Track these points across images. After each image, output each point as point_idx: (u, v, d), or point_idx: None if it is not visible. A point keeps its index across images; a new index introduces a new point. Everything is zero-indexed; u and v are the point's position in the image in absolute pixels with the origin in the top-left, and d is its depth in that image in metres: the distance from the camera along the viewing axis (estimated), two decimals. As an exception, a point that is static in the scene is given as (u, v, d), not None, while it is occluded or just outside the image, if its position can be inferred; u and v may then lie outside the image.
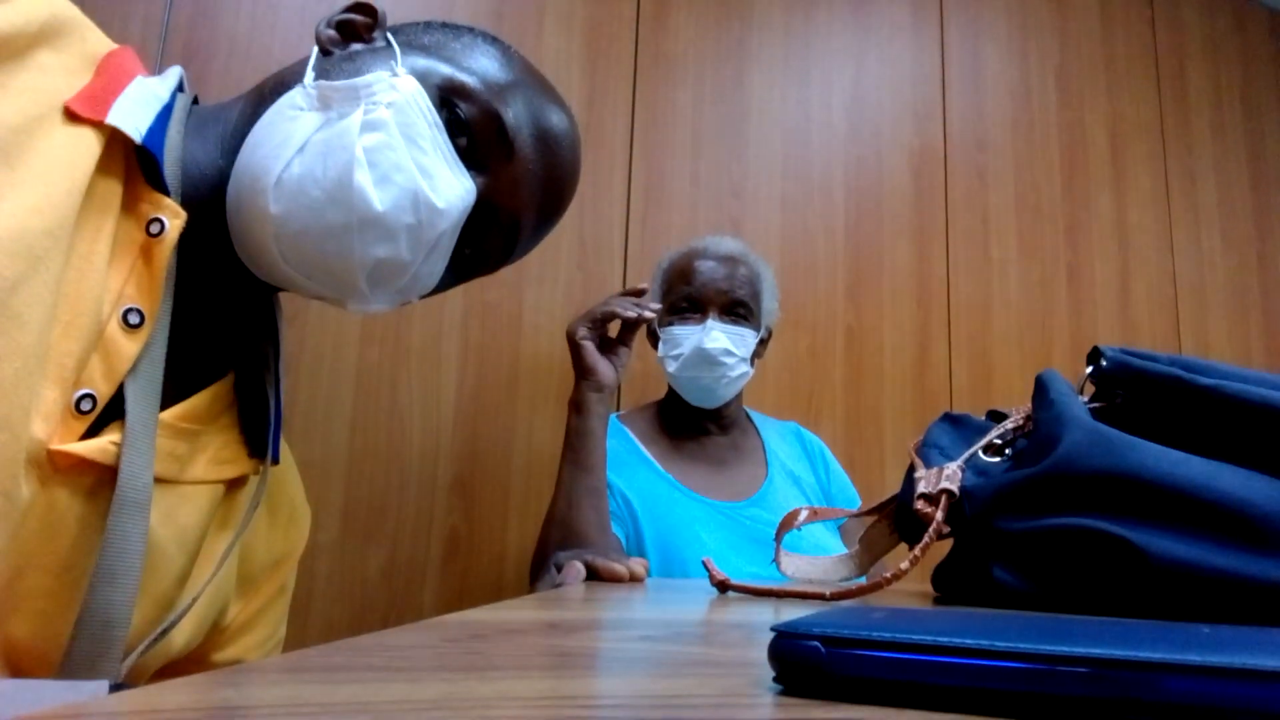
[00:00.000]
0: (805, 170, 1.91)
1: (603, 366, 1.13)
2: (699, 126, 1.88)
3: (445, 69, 0.64)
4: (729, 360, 1.27)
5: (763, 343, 1.38)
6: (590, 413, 1.13)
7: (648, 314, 1.15)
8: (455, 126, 0.62)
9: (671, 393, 1.37)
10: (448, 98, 0.63)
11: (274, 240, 0.58)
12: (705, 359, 1.26)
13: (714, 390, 1.30)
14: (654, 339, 1.36)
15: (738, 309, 1.30)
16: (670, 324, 1.31)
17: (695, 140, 1.88)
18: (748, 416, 1.44)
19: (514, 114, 0.65)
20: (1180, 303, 2.05)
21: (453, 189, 0.61)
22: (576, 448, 1.13)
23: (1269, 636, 0.22)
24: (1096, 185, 2.06)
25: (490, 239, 0.67)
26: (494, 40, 0.69)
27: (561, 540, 1.06)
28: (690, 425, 1.36)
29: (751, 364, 1.32)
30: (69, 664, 0.50)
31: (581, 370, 1.14)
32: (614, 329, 1.19)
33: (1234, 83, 2.21)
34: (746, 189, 1.88)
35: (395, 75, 0.61)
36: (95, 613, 0.50)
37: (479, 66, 0.65)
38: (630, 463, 1.29)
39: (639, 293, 1.21)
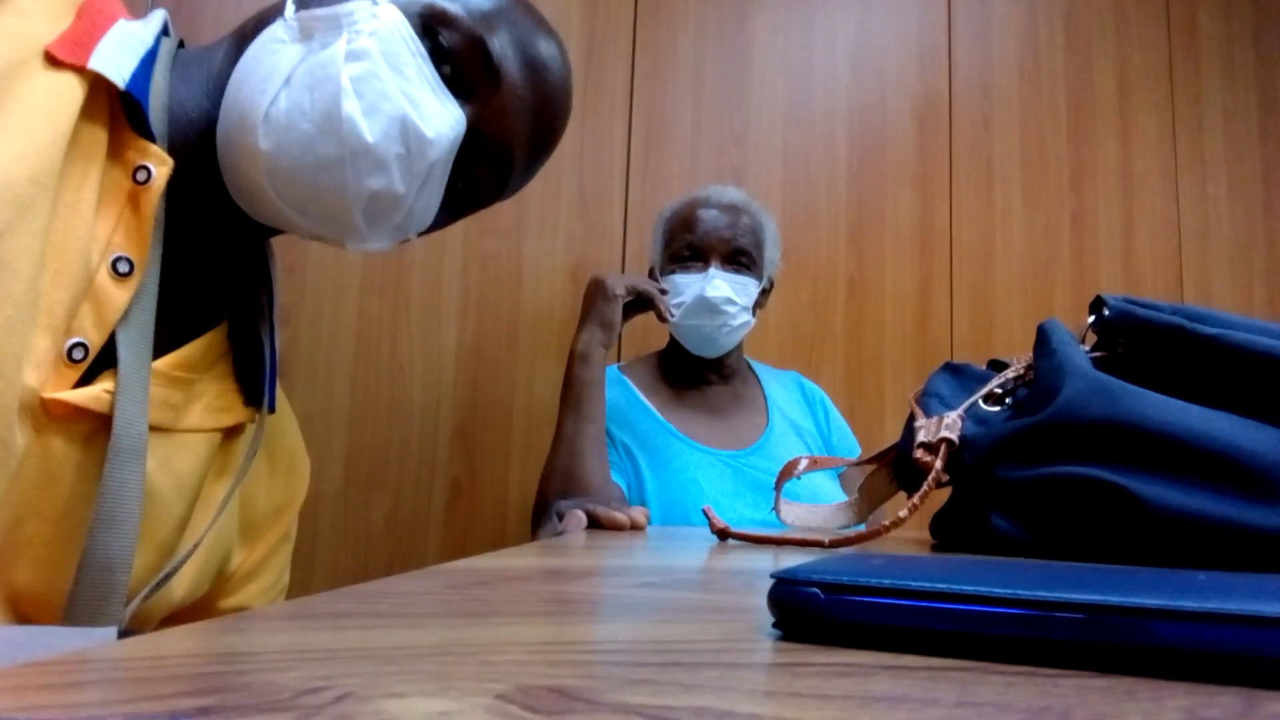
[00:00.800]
0: (808, 118, 1.89)
1: (619, 327, 1.20)
2: (700, 73, 1.85)
3: None
4: (731, 309, 1.27)
5: (765, 293, 1.37)
6: (596, 364, 1.17)
7: (671, 316, 1.25)
8: (439, 55, 0.61)
9: (673, 342, 1.38)
10: (430, 25, 0.61)
11: (267, 176, 0.57)
12: (707, 307, 1.26)
13: (715, 339, 1.30)
14: None
15: (740, 258, 1.30)
16: (672, 272, 1.31)
17: (696, 87, 1.85)
18: (749, 366, 1.44)
19: (499, 42, 0.63)
20: (1184, 252, 2.04)
21: (441, 118, 0.60)
22: (581, 398, 1.15)
23: (1265, 583, 0.22)
24: (1102, 132, 2.04)
25: (483, 171, 0.66)
26: None
27: (564, 489, 1.08)
28: (691, 375, 1.37)
29: (753, 313, 1.32)
30: (73, 610, 0.51)
31: (606, 323, 1.18)
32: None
33: (1246, 29, 2.16)
34: (748, 137, 1.86)
35: (375, 3, 0.60)
36: (96, 558, 0.51)
37: None
38: (631, 412, 1.30)
39: (664, 293, 1.27)
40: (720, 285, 1.26)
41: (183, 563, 0.59)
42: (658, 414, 1.30)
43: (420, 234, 0.67)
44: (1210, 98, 2.11)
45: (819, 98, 1.90)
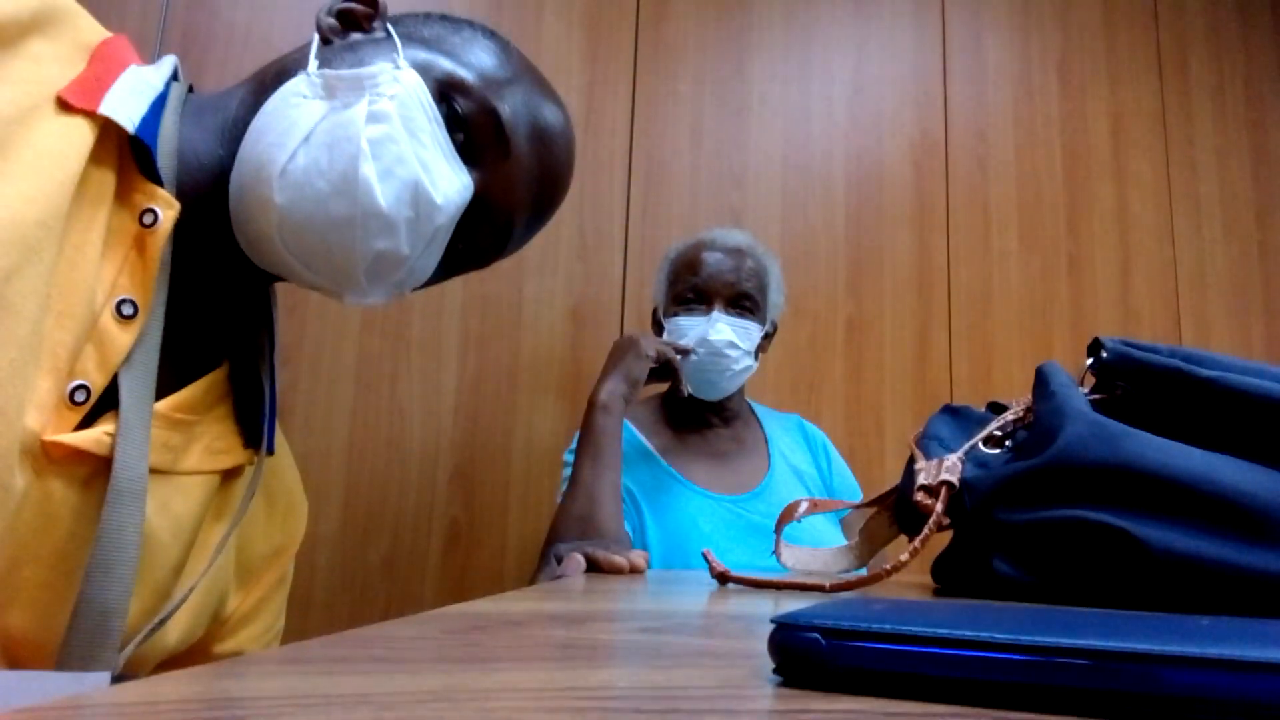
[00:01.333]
0: (806, 160, 1.91)
1: (642, 386, 1.22)
2: (699, 116, 1.88)
3: (445, 63, 0.64)
4: (733, 353, 1.27)
5: (767, 337, 1.37)
6: (617, 415, 1.18)
7: (686, 391, 1.26)
8: (453, 122, 0.63)
9: (675, 385, 1.37)
10: (446, 93, 0.63)
11: (277, 229, 0.58)
12: (710, 351, 1.26)
13: (717, 383, 1.30)
14: (659, 330, 1.36)
15: (744, 301, 1.30)
16: (675, 315, 1.31)
17: (696, 130, 1.87)
18: (750, 409, 1.44)
19: (511, 111, 0.65)
20: (1181, 293, 2.05)
21: (451, 184, 0.61)
22: (602, 446, 1.15)
23: (1268, 628, 0.22)
24: (1098, 175, 2.06)
25: (483, 234, 0.68)
26: (492, 35, 0.69)
27: (580, 535, 1.06)
28: (693, 418, 1.36)
29: (755, 358, 1.32)
30: (66, 654, 0.50)
31: (632, 380, 1.20)
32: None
33: (1236, 73, 2.20)
34: (747, 179, 1.88)
35: (398, 68, 0.61)
36: (92, 603, 0.50)
37: (478, 62, 0.65)
38: (633, 455, 1.30)
39: (686, 352, 1.27)
40: (723, 329, 1.26)
41: (178, 607, 0.58)
42: (659, 457, 1.30)
43: (414, 289, 0.67)
44: (1203, 141, 2.14)
45: (817, 140, 1.92)
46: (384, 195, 0.58)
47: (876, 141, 1.95)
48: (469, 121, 0.63)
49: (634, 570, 0.83)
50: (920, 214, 1.94)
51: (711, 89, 1.89)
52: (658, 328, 1.36)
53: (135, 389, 0.53)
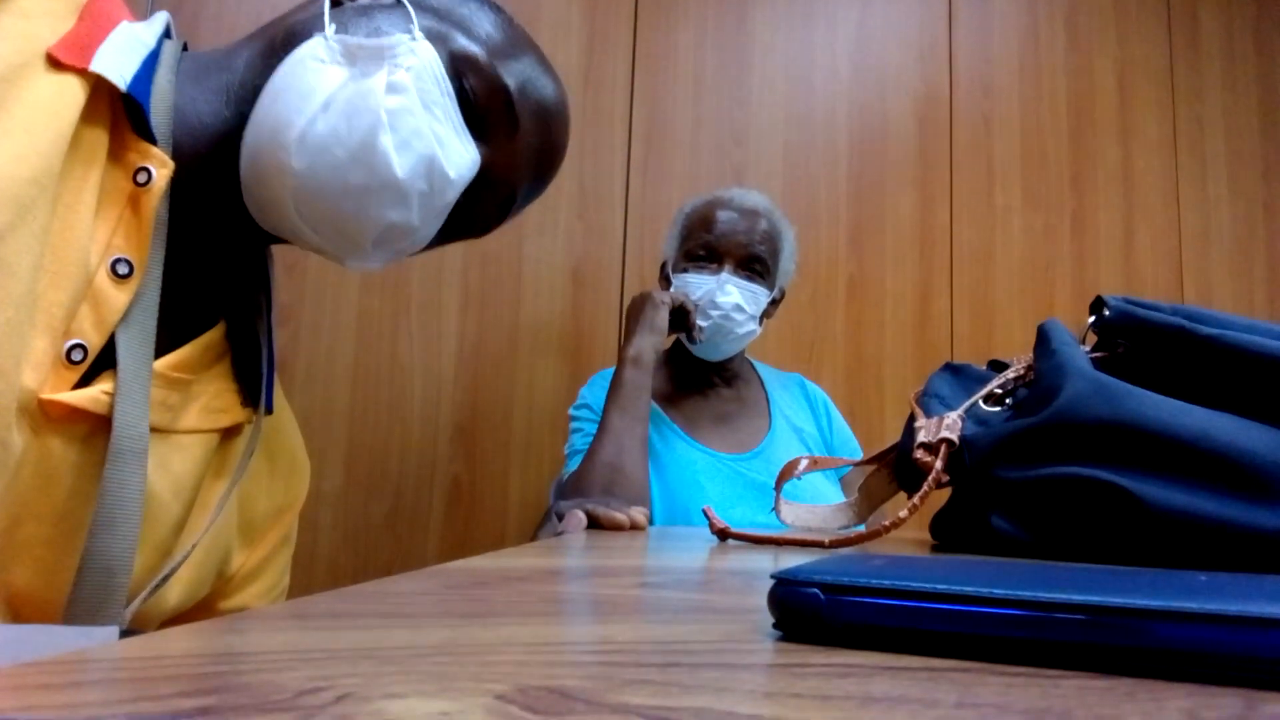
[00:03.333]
0: (808, 116, 1.89)
1: (666, 332, 1.22)
2: (701, 71, 1.85)
3: (457, 36, 0.63)
4: (739, 316, 1.26)
5: (774, 303, 1.36)
6: (648, 369, 1.19)
7: (700, 338, 1.27)
8: (463, 96, 0.63)
9: (678, 343, 1.38)
10: (459, 67, 0.63)
11: (292, 194, 0.58)
12: (716, 310, 1.25)
13: (719, 344, 1.29)
14: (666, 284, 1.35)
15: (754, 264, 1.28)
16: (685, 270, 1.29)
17: (697, 86, 1.85)
18: (752, 368, 1.44)
19: (518, 87, 0.65)
20: (1184, 251, 2.04)
21: (462, 158, 0.62)
22: (634, 399, 1.16)
23: (1265, 584, 0.22)
24: (1103, 132, 2.03)
25: (484, 206, 0.68)
26: (497, 8, 0.69)
27: (609, 482, 1.08)
28: (695, 376, 1.36)
29: (760, 323, 1.31)
30: (72, 611, 0.51)
31: (657, 329, 1.21)
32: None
33: (1247, 27, 2.16)
34: (749, 135, 1.86)
35: (414, 39, 0.60)
36: (96, 560, 0.51)
37: (486, 36, 0.65)
38: None
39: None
40: (731, 291, 1.25)
41: (181, 564, 0.59)
42: (662, 413, 1.30)
43: (411, 255, 0.68)
44: (1211, 97, 2.11)
45: (819, 96, 1.90)
46: (400, 167, 0.58)
47: (880, 96, 1.93)
48: (478, 97, 0.63)
49: (635, 527, 0.84)
50: (923, 170, 1.93)
51: (713, 43, 1.87)
52: (665, 282, 1.35)
53: (133, 348, 0.53)
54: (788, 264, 1.37)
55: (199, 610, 0.66)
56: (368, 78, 0.58)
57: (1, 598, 0.51)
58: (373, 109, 0.57)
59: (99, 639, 0.50)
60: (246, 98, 0.59)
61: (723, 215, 1.29)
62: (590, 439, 1.19)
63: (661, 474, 1.22)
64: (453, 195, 0.62)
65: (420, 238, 0.64)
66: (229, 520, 0.66)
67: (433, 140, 0.59)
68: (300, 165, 0.57)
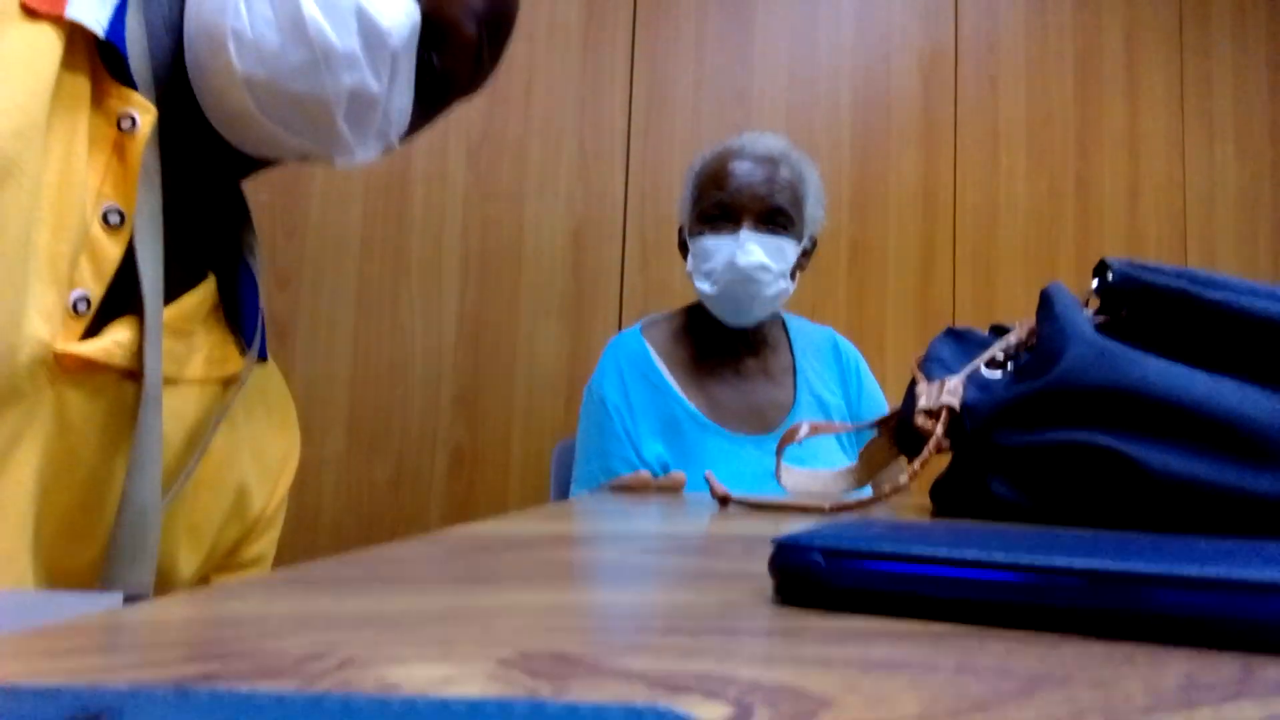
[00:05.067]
0: (811, 75, 1.86)
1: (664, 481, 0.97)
2: (702, 31, 1.83)
3: None
4: (765, 276, 1.15)
5: (805, 254, 1.24)
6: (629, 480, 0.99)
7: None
8: None
9: (701, 304, 1.26)
10: None
11: (249, 92, 0.57)
12: (739, 276, 1.14)
13: (749, 310, 1.19)
14: (684, 250, 1.25)
15: (777, 217, 1.17)
16: (701, 234, 1.18)
17: (698, 45, 1.82)
18: (784, 326, 1.32)
19: None
20: (1189, 213, 2.02)
21: (393, 6, 0.59)
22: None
23: (1265, 549, 0.22)
24: (1110, 91, 2.01)
25: (447, 58, 0.66)
26: None
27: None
28: (718, 343, 1.25)
29: (792, 278, 1.21)
30: (111, 559, 0.52)
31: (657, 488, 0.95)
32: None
33: (1258, -17, 2.13)
34: (751, 95, 1.83)
35: None
36: (132, 504, 0.52)
37: None
38: (646, 389, 1.21)
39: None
40: (753, 249, 1.14)
41: (183, 483, 0.59)
42: (677, 391, 1.21)
43: (402, 139, 0.67)
44: (1220, 54, 2.08)
45: (823, 55, 1.87)
46: (334, 31, 0.57)
47: (884, 56, 1.90)
48: None
49: (673, 487, 0.87)
50: (927, 131, 1.91)
51: (715, 1, 1.84)
52: (682, 248, 1.26)
53: (152, 297, 0.53)
54: (815, 209, 1.24)
55: (227, 561, 0.68)
56: None
57: (34, 557, 0.52)
58: None
59: (103, 605, 0.50)
60: (177, 20, 0.59)
61: (736, 167, 1.18)
62: (609, 446, 1.16)
63: (676, 458, 1.17)
64: (396, 44, 0.59)
65: (392, 109, 0.62)
66: (233, 461, 0.66)
67: None
68: (243, 65, 0.56)
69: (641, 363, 1.23)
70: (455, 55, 0.66)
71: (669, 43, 1.81)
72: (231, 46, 0.55)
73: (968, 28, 1.95)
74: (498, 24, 0.70)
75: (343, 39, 0.57)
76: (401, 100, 0.63)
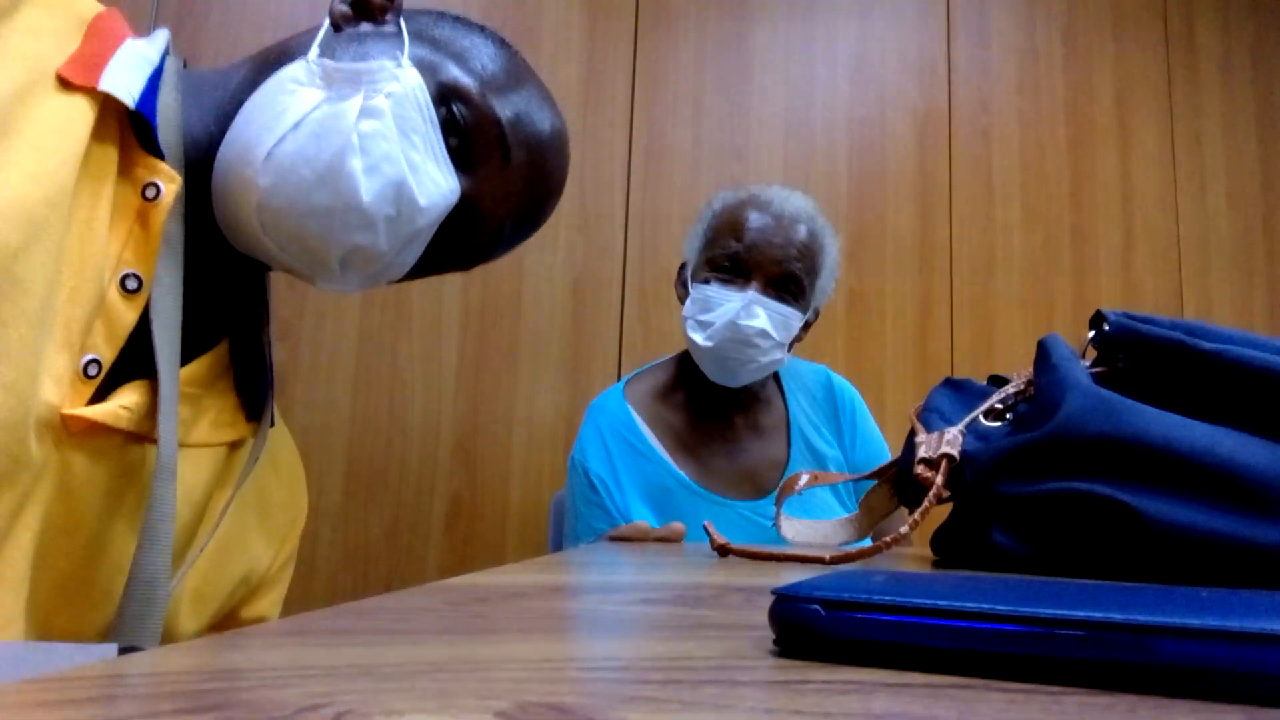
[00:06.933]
0: (808, 131, 1.89)
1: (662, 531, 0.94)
2: (701, 86, 1.86)
3: (450, 67, 0.63)
4: (763, 343, 1.09)
5: (806, 326, 1.18)
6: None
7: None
8: (450, 126, 0.62)
9: (693, 364, 1.18)
10: (447, 96, 0.62)
11: (257, 210, 0.58)
12: (737, 336, 1.08)
13: (735, 373, 1.12)
14: (684, 291, 1.17)
15: (789, 284, 1.10)
16: (706, 282, 1.11)
17: (697, 101, 1.86)
18: (776, 380, 1.26)
19: (511, 120, 0.64)
20: (1183, 265, 2.04)
21: (437, 187, 0.61)
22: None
23: (1267, 600, 0.22)
24: (1102, 145, 2.04)
25: (470, 238, 0.67)
26: (502, 43, 0.69)
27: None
28: (707, 401, 1.19)
29: (789, 350, 1.15)
30: (118, 626, 0.52)
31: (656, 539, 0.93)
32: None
33: (1244, 42, 2.17)
34: (749, 150, 1.86)
35: (399, 66, 0.60)
36: (143, 573, 0.52)
37: (482, 67, 0.65)
38: (632, 457, 1.15)
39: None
40: (759, 314, 1.08)
41: (186, 571, 0.59)
42: (664, 456, 1.15)
43: (391, 283, 0.67)
44: (1209, 110, 2.12)
45: (819, 111, 1.91)
46: (367, 190, 0.58)
47: (879, 112, 1.94)
48: (467, 128, 0.63)
49: (671, 538, 0.87)
50: (923, 185, 1.93)
51: (713, 58, 1.88)
52: (683, 289, 1.17)
53: (167, 363, 0.54)
54: (827, 282, 1.17)
55: (227, 622, 0.68)
56: (343, 101, 0.58)
57: (29, 619, 0.51)
58: (343, 131, 0.57)
59: (96, 656, 0.50)
60: (232, 114, 0.60)
61: (755, 219, 1.11)
62: (597, 522, 1.10)
63: (663, 519, 1.10)
64: (424, 222, 0.61)
65: (392, 264, 0.63)
66: (242, 529, 0.66)
67: (404, 166, 0.59)
68: (266, 183, 0.56)
69: (625, 429, 1.17)
70: (475, 238, 0.67)
71: (668, 98, 1.84)
72: (260, 164, 0.56)
73: (960, 84, 1.99)
74: (530, 225, 0.71)
75: (372, 201, 0.58)
76: (407, 259, 0.64)
